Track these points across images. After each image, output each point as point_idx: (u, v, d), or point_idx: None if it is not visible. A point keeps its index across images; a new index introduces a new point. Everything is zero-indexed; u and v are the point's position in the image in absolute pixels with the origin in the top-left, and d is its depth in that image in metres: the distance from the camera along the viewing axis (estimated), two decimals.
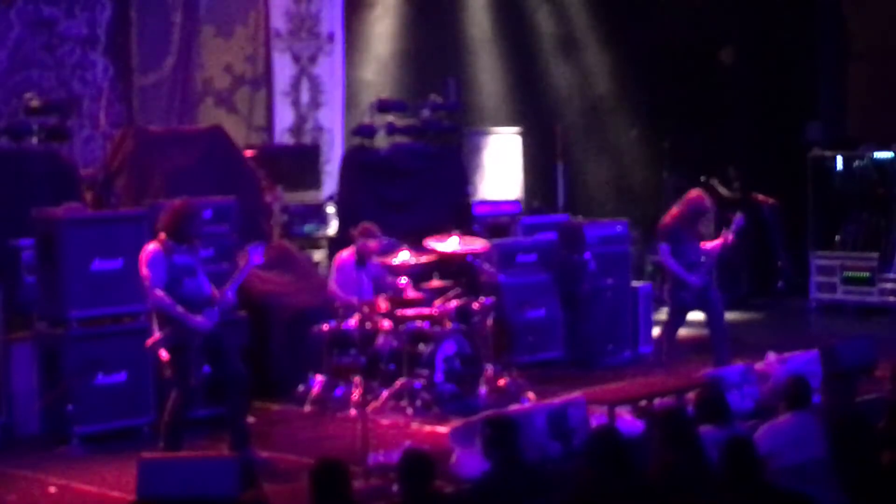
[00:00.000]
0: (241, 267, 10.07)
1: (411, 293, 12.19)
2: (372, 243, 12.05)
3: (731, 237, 12.07)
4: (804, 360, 11.29)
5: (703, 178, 16.78)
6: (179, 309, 9.58)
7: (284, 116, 16.48)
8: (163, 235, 9.77)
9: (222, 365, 9.85)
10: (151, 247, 9.74)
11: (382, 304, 12.00)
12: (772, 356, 11.64)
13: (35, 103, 12.67)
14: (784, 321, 15.71)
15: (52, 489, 9.59)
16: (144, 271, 9.68)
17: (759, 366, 11.41)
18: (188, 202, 9.97)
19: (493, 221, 14.72)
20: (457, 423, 10.12)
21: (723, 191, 16.81)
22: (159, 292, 9.59)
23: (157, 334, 9.71)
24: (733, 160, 18.26)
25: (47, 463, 10.28)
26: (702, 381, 10.41)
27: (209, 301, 9.76)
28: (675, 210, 12.10)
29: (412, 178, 14.85)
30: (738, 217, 12.23)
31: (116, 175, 12.71)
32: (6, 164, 12.31)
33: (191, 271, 9.76)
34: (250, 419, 10.58)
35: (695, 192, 12.19)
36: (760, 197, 13.24)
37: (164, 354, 9.66)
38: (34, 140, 12.55)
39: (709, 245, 12.11)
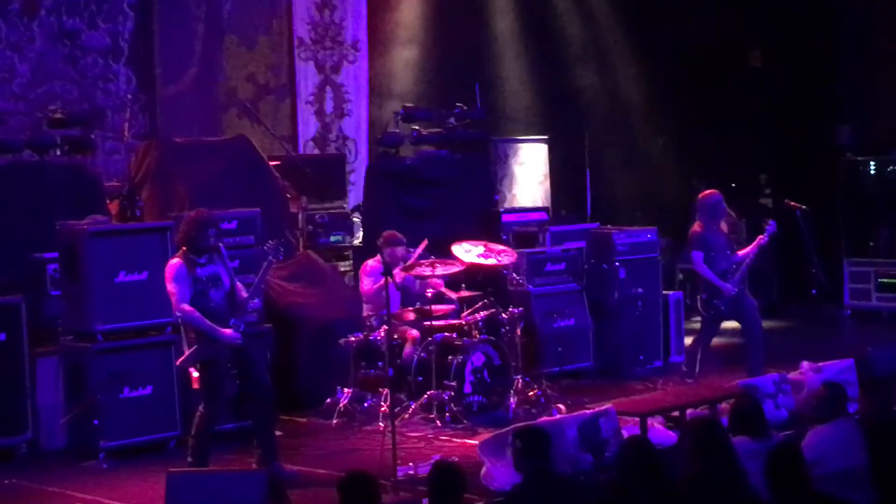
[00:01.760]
0: (263, 266, 9.97)
1: (450, 293, 12.08)
2: (399, 250, 11.97)
3: (765, 239, 11.96)
4: (839, 369, 11.17)
5: (733, 185, 16.65)
6: (208, 323, 9.51)
7: (308, 126, 16.42)
8: (184, 248, 9.70)
9: (249, 378, 9.77)
10: (174, 261, 9.68)
11: (410, 315, 11.91)
12: (806, 365, 11.50)
13: (58, 115, 12.64)
14: (818, 329, 15.57)
15: None
16: (170, 287, 9.61)
17: (793, 375, 11.29)
18: (199, 212, 9.89)
19: (521, 230, 14.60)
20: (486, 435, 10.03)
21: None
22: (187, 307, 9.52)
23: (186, 351, 9.62)
24: (763, 166, 18.12)
25: (74, 478, 10.23)
26: (735, 391, 10.29)
27: (235, 311, 9.66)
28: (697, 217, 12.04)
29: (438, 186, 14.78)
30: (771, 223, 12.13)
31: (141, 186, 12.66)
32: (30, 176, 12.28)
33: (216, 281, 9.68)
34: (278, 432, 10.48)
35: (705, 191, 12.13)
36: (793, 203, 13.08)
37: (194, 372, 9.57)
38: (58, 152, 12.52)
39: (742, 252, 12.02)
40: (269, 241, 10.09)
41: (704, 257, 11.88)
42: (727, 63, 18.35)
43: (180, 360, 9.74)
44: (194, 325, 9.56)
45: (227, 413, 10.29)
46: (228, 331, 9.54)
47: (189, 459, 9.62)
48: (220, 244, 9.86)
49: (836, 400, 8.19)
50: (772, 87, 18.43)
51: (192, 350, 9.57)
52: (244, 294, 9.79)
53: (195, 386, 9.72)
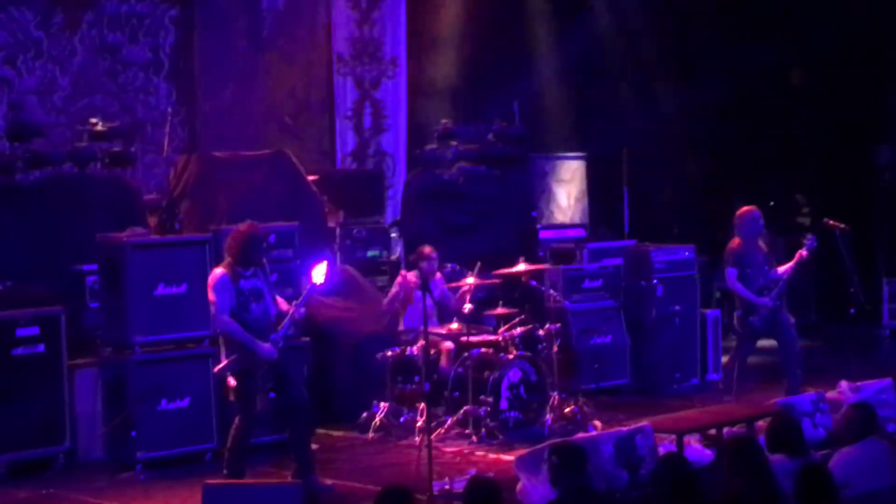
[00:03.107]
0: (309, 284, 10.02)
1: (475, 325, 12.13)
2: (425, 265, 11.91)
3: (805, 254, 11.91)
4: (877, 389, 11.12)
5: (771, 203, 16.58)
6: (246, 335, 9.54)
7: (346, 141, 16.47)
8: (229, 260, 9.73)
9: (286, 391, 9.79)
10: (218, 271, 9.72)
11: (446, 331, 11.92)
12: (844, 384, 11.43)
13: (99, 129, 12.70)
14: (856, 349, 15.42)
15: None
16: (211, 296, 9.66)
17: (831, 394, 11.22)
18: (253, 226, 9.94)
19: (559, 247, 14.59)
20: (522, 450, 9.99)
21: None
22: (226, 318, 9.56)
23: (223, 360, 9.67)
24: (803, 185, 18.03)
25: (111, 489, 10.28)
26: (773, 410, 10.22)
27: (276, 326, 9.70)
28: (735, 234, 12.00)
29: (477, 203, 14.79)
30: (811, 238, 12.07)
31: (180, 200, 12.72)
32: (71, 189, 12.37)
33: (258, 295, 9.71)
34: (314, 446, 10.50)
35: (743, 208, 12.09)
36: (832, 222, 13.01)
37: (231, 381, 9.61)
38: (98, 166, 12.59)
39: (781, 268, 11.97)
40: (320, 263, 10.17)
41: (739, 274, 11.84)
42: (768, 81, 18.28)
43: (218, 367, 9.78)
44: (232, 337, 9.60)
45: (263, 426, 10.31)
46: (266, 345, 9.57)
47: (224, 471, 9.66)
48: (264, 259, 9.92)
49: (864, 421, 8.13)
50: (812, 106, 18.35)
51: (229, 360, 9.61)
52: (285, 307, 9.82)
53: (231, 397, 9.75)
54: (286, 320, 9.79)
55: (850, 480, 7.53)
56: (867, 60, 18.02)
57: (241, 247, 9.74)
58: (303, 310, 10.00)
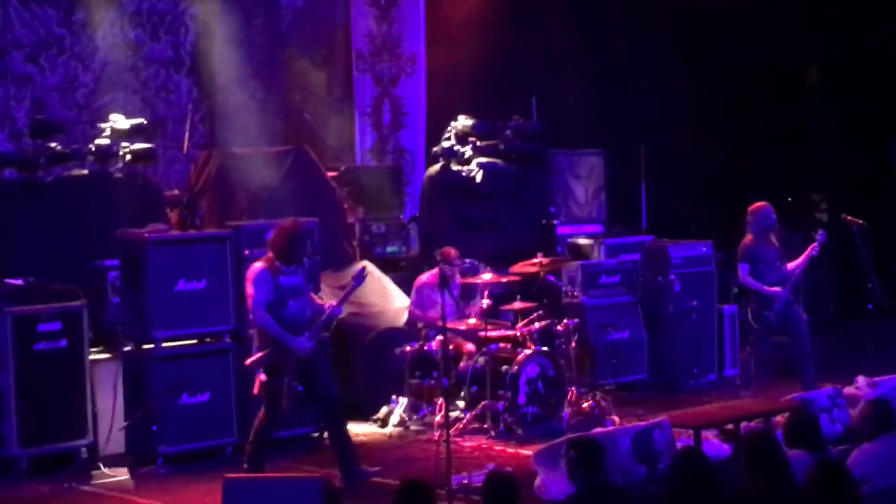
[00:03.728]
0: (347, 289, 10.15)
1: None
2: (447, 270, 11.95)
3: (816, 249, 11.93)
4: (894, 384, 11.09)
5: (789, 199, 16.57)
6: (280, 330, 9.59)
7: (366, 137, 16.51)
8: (271, 255, 9.77)
9: (316, 388, 9.83)
10: (258, 265, 9.77)
11: (465, 326, 11.97)
12: (861, 380, 11.47)
13: (120, 126, 12.77)
14: (874, 344, 15.42)
15: None
16: (249, 290, 9.72)
17: (848, 389, 11.25)
18: (297, 222, 9.99)
19: (577, 242, 14.62)
20: (540, 445, 10.04)
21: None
22: (262, 312, 9.61)
23: (255, 354, 9.71)
24: (820, 180, 18.00)
25: (133, 482, 10.33)
26: (790, 405, 10.24)
27: (311, 325, 9.75)
28: (748, 230, 12.04)
29: (495, 199, 14.83)
30: (821, 233, 12.10)
31: (200, 196, 12.79)
32: (92, 185, 12.44)
33: (296, 293, 9.76)
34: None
35: (755, 204, 12.11)
36: (849, 218, 13.02)
37: (261, 375, 9.65)
38: (120, 162, 12.66)
39: (792, 264, 11.99)
40: (358, 268, 10.23)
41: (752, 269, 11.87)
42: (785, 77, 18.27)
43: (249, 360, 9.82)
44: (267, 331, 9.64)
45: (286, 421, 10.37)
46: (299, 340, 9.62)
47: (245, 465, 9.72)
48: (305, 258, 9.97)
49: (883, 417, 8.13)
50: (829, 101, 18.32)
51: (261, 354, 9.66)
52: (320, 304, 9.89)
53: (255, 391, 9.80)
54: (322, 318, 9.84)
55: (869, 476, 7.54)
56: (884, 56, 17.99)
57: (284, 243, 9.77)
58: (341, 309, 10.06)
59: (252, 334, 10.15)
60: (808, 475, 6.96)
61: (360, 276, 10.19)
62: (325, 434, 10.17)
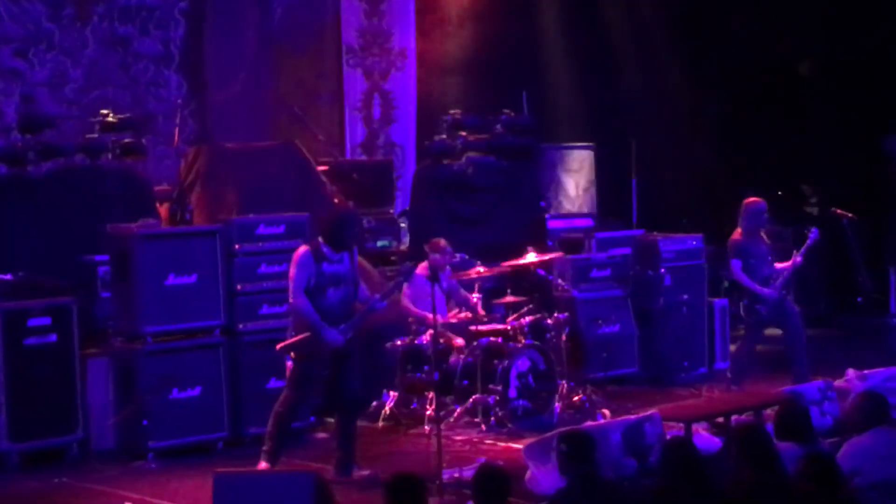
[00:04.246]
0: (390, 286, 10.20)
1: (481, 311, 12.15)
2: (438, 258, 11.98)
3: (801, 253, 11.93)
4: (884, 377, 11.15)
5: (779, 193, 16.59)
6: (316, 317, 9.50)
7: (356, 132, 16.49)
8: (319, 239, 9.71)
9: (342, 382, 9.77)
10: (303, 249, 9.68)
11: (455, 319, 11.97)
12: (851, 373, 11.48)
13: (110, 120, 12.75)
14: (864, 338, 15.47)
15: None
16: (292, 271, 9.62)
17: (838, 382, 11.26)
18: (348, 209, 9.93)
19: (568, 236, 14.62)
20: (531, 439, 10.04)
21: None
22: (300, 295, 9.52)
23: (290, 338, 9.61)
24: (811, 174, 18.01)
25: (123, 478, 10.34)
26: (780, 398, 10.25)
27: (349, 315, 9.70)
28: (739, 225, 12.06)
29: (485, 193, 14.82)
30: (813, 231, 12.09)
31: (190, 191, 12.77)
32: (82, 180, 12.41)
33: (339, 281, 9.66)
34: (323, 434, 10.55)
35: (749, 199, 12.12)
36: (839, 211, 13.04)
37: (289, 361, 9.58)
38: (109, 157, 12.63)
39: (779, 266, 11.98)
40: (407, 264, 10.16)
41: (744, 265, 11.87)
42: (777, 71, 18.28)
43: (281, 344, 9.68)
44: (303, 316, 9.54)
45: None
46: (333, 331, 9.54)
47: (265, 449, 9.63)
48: (355, 246, 9.87)
49: (875, 409, 8.13)
50: (821, 95, 18.33)
51: (296, 339, 9.59)
52: (365, 295, 9.83)
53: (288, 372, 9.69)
54: (362, 311, 9.77)
55: (861, 469, 7.55)
56: (875, 49, 18.00)
57: (333, 228, 9.67)
58: (384, 303, 9.96)
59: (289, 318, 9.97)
60: (798, 468, 6.97)
61: (408, 272, 10.12)
62: (335, 425, 10.05)
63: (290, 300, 9.68)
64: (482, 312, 12.08)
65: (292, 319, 9.78)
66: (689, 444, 7.52)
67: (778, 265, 12.00)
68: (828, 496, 6.72)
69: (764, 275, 11.89)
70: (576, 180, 16.83)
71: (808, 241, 11.99)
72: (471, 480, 7.23)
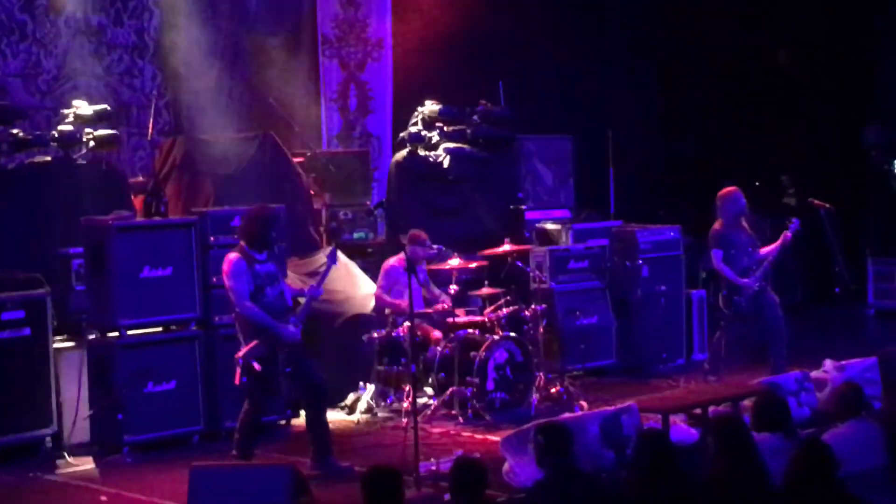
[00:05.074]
0: (322, 272, 10.12)
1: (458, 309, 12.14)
2: (419, 250, 11.97)
3: (789, 236, 11.95)
4: (862, 368, 11.15)
5: (756, 184, 16.60)
6: (270, 319, 9.53)
7: (332, 123, 16.43)
8: (242, 243, 9.68)
9: (303, 376, 9.77)
10: (232, 256, 9.66)
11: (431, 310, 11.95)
12: (829, 363, 11.49)
13: (84, 112, 12.65)
14: (842, 328, 15.50)
15: (104, 498, 9.58)
16: (228, 282, 9.61)
17: (815, 373, 11.28)
18: (264, 208, 9.92)
19: (545, 228, 14.59)
20: (509, 431, 10.02)
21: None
22: (248, 304, 9.52)
23: (244, 346, 9.58)
24: (790, 165, 18.02)
25: (98, 472, 10.28)
26: (758, 389, 10.26)
27: (291, 309, 9.69)
28: (718, 215, 12.03)
29: (462, 184, 14.79)
30: (795, 221, 12.12)
31: (165, 183, 12.68)
32: (55, 172, 12.30)
33: (273, 279, 9.69)
34: (299, 426, 10.48)
35: (725, 189, 12.12)
36: (817, 202, 13.04)
37: (256, 365, 9.54)
38: (83, 149, 12.54)
39: (765, 249, 12.01)
40: (330, 248, 10.18)
41: (724, 255, 11.89)
42: (755, 61, 18.28)
43: (240, 353, 9.63)
44: (256, 322, 9.54)
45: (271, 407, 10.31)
46: (289, 328, 9.56)
47: (234, 452, 9.64)
48: (277, 243, 9.89)
49: (852, 400, 8.17)
50: (799, 85, 18.35)
51: (252, 345, 9.54)
52: (298, 288, 9.84)
53: (237, 381, 9.66)
54: (305, 302, 9.77)
55: (842, 459, 7.55)
56: (855, 40, 18.02)
57: (255, 229, 9.69)
58: (321, 290, 10.01)
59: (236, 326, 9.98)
60: (792, 456, 6.96)
61: (334, 256, 10.12)
62: (305, 419, 10.05)
63: (237, 310, 9.66)
64: (450, 306, 12.03)
65: (240, 329, 9.72)
66: (663, 436, 7.51)
67: (764, 249, 12.01)
68: (818, 486, 6.72)
69: (744, 266, 11.92)
70: (553, 171, 16.77)
71: (792, 228, 11.99)
72: (448, 473, 7.23)
